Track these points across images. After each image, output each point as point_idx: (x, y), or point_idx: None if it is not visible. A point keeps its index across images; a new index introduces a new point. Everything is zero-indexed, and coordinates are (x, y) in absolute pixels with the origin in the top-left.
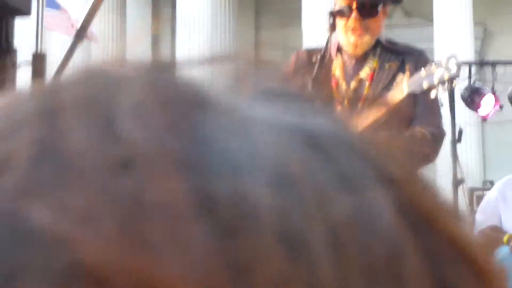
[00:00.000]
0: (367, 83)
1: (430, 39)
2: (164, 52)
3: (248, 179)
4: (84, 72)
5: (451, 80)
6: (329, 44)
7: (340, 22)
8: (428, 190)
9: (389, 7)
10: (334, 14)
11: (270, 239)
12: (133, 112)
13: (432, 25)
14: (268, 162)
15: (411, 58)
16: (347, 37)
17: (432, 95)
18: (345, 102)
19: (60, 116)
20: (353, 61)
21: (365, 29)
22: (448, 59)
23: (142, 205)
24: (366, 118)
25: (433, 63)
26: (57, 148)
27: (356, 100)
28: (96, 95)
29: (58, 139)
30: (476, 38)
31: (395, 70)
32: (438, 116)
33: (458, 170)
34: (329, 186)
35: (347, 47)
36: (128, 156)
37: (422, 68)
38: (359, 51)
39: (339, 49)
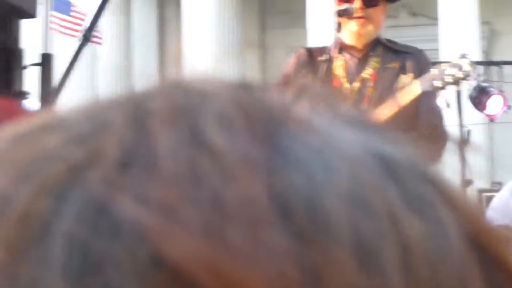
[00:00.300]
0: (370, 83)
1: (436, 39)
2: (170, 51)
3: (324, 191)
4: (170, 83)
5: (464, 78)
6: (336, 43)
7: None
8: (486, 219)
9: (388, 6)
10: (341, 14)
11: (344, 249)
12: (218, 122)
13: (437, 25)
14: (344, 178)
15: (412, 57)
16: (350, 27)
17: (445, 93)
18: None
19: (148, 121)
20: (355, 61)
21: (368, 18)
22: (461, 57)
23: (225, 206)
24: (381, 114)
25: (447, 62)
26: (145, 149)
27: (359, 100)
28: (183, 104)
29: (146, 141)
30: (482, 37)
31: (397, 70)
32: (441, 117)
33: (466, 171)
34: (401, 207)
35: (350, 38)
36: (212, 160)
37: (435, 67)
38: (363, 41)
39: (340, 49)
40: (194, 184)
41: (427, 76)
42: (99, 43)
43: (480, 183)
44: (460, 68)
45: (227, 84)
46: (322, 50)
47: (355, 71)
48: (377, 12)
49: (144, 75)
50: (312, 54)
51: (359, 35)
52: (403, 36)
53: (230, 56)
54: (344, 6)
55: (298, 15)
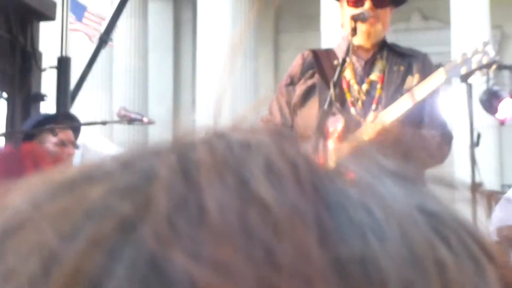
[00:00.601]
0: (378, 85)
1: (448, 42)
2: (185, 55)
3: (378, 250)
4: (210, 132)
5: (489, 65)
6: (350, 48)
7: (350, 12)
8: None
9: (394, 10)
10: (355, 19)
11: None
12: (265, 175)
13: (449, 28)
14: (396, 236)
15: (417, 60)
16: (359, 26)
17: (471, 80)
18: (359, 103)
19: (195, 173)
20: (362, 64)
21: (377, 18)
22: (485, 44)
23: (278, 261)
24: (396, 111)
25: (468, 49)
26: (193, 202)
27: (369, 102)
28: (228, 156)
29: (194, 193)
30: (493, 41)
31: (404, 72)
32: (444, 118)
33: (476, 174)
34: (450, 263)
35: (360, 38)
36: (262, 214)
37: (458, 55)
38: (372, 41)
39: (347, 52)
40: (246, 238)
41: (451, 64)
42: (111, 45)
43: (489, 186)
44: (485, 53)
45: (268, 133)
46: (328, 53)
47: (363, 74)
48: (385, 13)
49: (160, 78)
50: (318, 56)
51: (368, 34)
52: (415, 39)
53: (245, 58)
54: (359, 10)
55: (313, 18)
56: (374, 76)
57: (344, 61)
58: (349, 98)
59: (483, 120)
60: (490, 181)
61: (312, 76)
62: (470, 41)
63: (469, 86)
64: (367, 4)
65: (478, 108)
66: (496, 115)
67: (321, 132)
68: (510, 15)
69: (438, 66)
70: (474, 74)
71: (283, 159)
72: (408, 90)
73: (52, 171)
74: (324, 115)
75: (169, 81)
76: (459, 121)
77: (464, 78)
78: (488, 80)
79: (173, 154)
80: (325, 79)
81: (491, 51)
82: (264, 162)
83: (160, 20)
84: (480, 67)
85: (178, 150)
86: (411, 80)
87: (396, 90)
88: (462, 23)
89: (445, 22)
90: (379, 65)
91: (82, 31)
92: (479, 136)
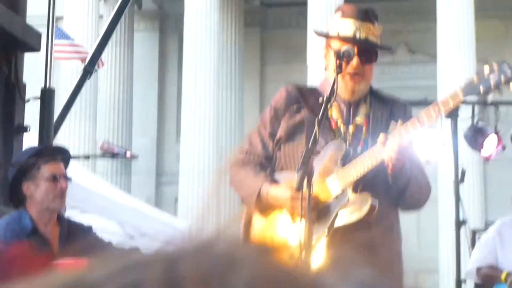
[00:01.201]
0: (364, 128)
1: (434, 76)
2: (170, 86)
3: None
4: (197, 245)
5: (507, 82)
6: (335, 86)
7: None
8: None
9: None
10: (340, 56)
11: None
12: None
13: (435, 62)
14: None
15: (399, 107)
16: (345, 81)
17: (490, 98)
18: (347, 143)
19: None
20: (347, 106)
21: (363, 75)
22: (500, 64)
23: None
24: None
25: (483, 69)
26: None
27: (355, 144)
28: (212, 271)
29: None
30: None
31: (387, 117)
32: (424, 169)
33: (461, 210)
34: None
35: (343, 92)
36: None
37: (473, 75)
38: (356, 97)
39: (332, 92)
40: None
41: (466, 83)
42: (102, 66)
43: (473, 222)
44: (502, 72)
45: (253, 248)
46: (312, 91)
47: (348, 115)
48: (371, 68)
49: (145, 109)
50: (302, 92)
51: (353, 91)
52: (401, 72)
53: (230, 89)
54: (345, 47)
55: (298, 50)
56: (359, 119)
57: (329, 99)
58: (338, 138)
59: (468, 156)
60: (474, 218)
61: (298, 111)
62: (456, 75)
63: (455, 122)
64: (355, 60)
65: (463, 144)
66: (481, 151)
67: (306, 168)
68: (496, 49)
69: (427, 103)
70: (492, 92)
71: (265, 279)
72: (391, 134)
73: (38, 280)
74: (308, 153)
75: (153, 112)
76: (444, 157)
77: (482, 96)
78: (473, 116)
79: (158, 267)
80: (314, 116)
81: (508, 69)
82: (247, 281)
83: (145, 51)
84: (498, 85)
85: (163, 263)
86: (394, 125)
87: (380, 134)
88: (448, 57)
89: (431, 55)
90: (363, 109)
91: (68, 59)
92: (463, 172)
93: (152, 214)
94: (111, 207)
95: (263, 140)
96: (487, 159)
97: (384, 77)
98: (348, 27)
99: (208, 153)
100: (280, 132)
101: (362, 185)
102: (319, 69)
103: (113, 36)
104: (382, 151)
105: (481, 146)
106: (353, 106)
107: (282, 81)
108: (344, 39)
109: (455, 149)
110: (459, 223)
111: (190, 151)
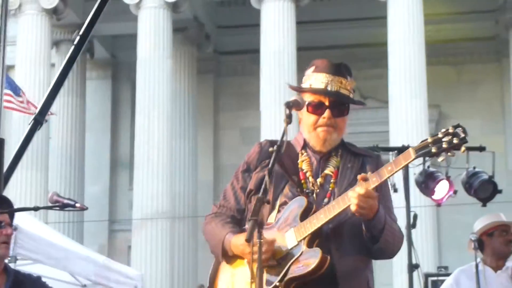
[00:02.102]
0: (332, 180)
1: (386, 121)
2: (123, 134)
3: None
4: None
5: (459, 145)
6: (285, 136)
7: (309, 118)
8: None
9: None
10: (290, 105)
11: None
12: None
13: (387, 108)
14: None
15: (370, 160)
16: (316, 133)
17: (440, 159)
18: (314, 196)
19: None
20: (318, 158)
21: (334, 127)
22: (455, 127)
23: None
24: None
25: (438, 132)
26: None
27: (323, 195)
28: None
29: None
30: (431, 120)
31: (357, 170)
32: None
33: (413, 255)
34: None
35: (315, 143)
36: None
37: (428, 136)
38: (327, 147)
39: (303, 146)
40: None
41: (421, 144)
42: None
43: (426, 267)
44: (455, 135)
45: None
46: (286, 144)
47: (318, 167)
48: (343, 121)
49: (97, 157)
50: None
51: (324, 141)
52: (354, 118)
53: (183, 137)
54: (294, 98)
55: (252, 96)
56: (329, 171)
57: (279, 148)
58: (305, 189)
59: (421, 201)
60: (427, 262)
61: (268, 165)
62: (408, 121)
63: (406, 168)
64: (327, 113)
65: (414, 189)
66: (433, 196)
67: (256, 218)
68: (448, 95)
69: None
70: (443, 154)
71: None
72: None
73: None
74: (259, 202)
75: (106, 160)
76: (395, 202)
77: (434, 156)
78: (424, 162)
79: None
80: (284, 169)
81: (461, 133)
82: None
83: (98, 99)
84: (450, 148)
85: None
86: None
87: (349, 185)
88: (400, 103)
89: (383, 101)
90: (333, 161)
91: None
92: (415, 217)
93: (105, 263)
94: (63, 257)
95: (235, 194)
96: (438, 204)
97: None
98: (320, 80)
99: (161, 200)
100: (250, 185)
101: (324, 237)
102: (272, 115)
103: (65, 85)
104: (341, 204)
105: (433, 191)
106: (323, 158)
107: (236, 128)
108: (316, 92)
109: (407, 194)
110: (412, 267)
111: (143, 199)
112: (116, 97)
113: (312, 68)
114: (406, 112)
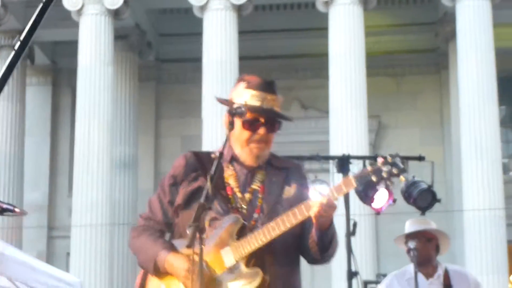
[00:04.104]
0: (260, 195)
1: (326, 131)
2: (63, 140)
3: None
4: None
5: (398, 175)
6: (228, 143)
7: (242, 134)
8: None
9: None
10: (233, 113)
11: None
12: None
13: (328, 118)
14: None
15: (293, 171)
16: (250, 148)
17: (381, 186)
18: (243, 210)
19: None
20: (245, 172)
21: (267, 143)
22: (393, 157)
23: None
24: (286, 223)
25: (378, 160)
26: None
27: (252, 210)
28: None
29: None
30: (371, 130)
31: (281, 183)
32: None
33: (352, 262)
34: None
35: (247, 158)
36: None
37: (367, 164)
38: (259, 163)
39: (230, 161)
40: None
41: (361, 172)
42: None
43: (365, 274)
44: (393, 164)
45: None
46: (209, 156)
47: (245, 182)
48: (273, 136)
49: (36, 163)
50: (200, 158)
51: (257, 157)
52: (294, 127)
53: (124, 144)
54: (237, 105)
55: (193, 104)
56: (255, 185)
57: (221, 154)
58: (233, 205)
59: (360, 209)
60: (366, 270)
61: (196, 178)
62: (348, 131)
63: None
64: (262, 130)
65: (354, 197)
66: (372, 204)
67: (197, 224)
68: (387, 106)
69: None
70: (382, 182)
71: None
72: (288, 199)
73: None
74: (200, 208)
75: (45, 166)
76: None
77: (373, 184)
78: None
79: None
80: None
81: (400, 163)
82: None
83: (38, 105)
84: (390, 177)
85: None
86: (289, 190)
87: (276, 200)
88: (340, 112)
89: (324, 111)
90: (259, 175)
91: None
92: (355, 225)
93: (43, 269)
94: (0, 261)
95: (163, 207)
96: (378, 212)
97: (278, 132)
98: (255, 97)
99: (101, 207)
100: (178, 199)
101: (258, 254)
102: (214, 123)
103: (5, 90)
104: (282, 227)
105: (372, 200)
106: (250, 173)
107: (177, 136)
108: (253, 109)
109: (346, 202)
110: (351, 275)
111: (83, 205)
112: (56, 104)
113: (244, 84)
114: (346, 122)
